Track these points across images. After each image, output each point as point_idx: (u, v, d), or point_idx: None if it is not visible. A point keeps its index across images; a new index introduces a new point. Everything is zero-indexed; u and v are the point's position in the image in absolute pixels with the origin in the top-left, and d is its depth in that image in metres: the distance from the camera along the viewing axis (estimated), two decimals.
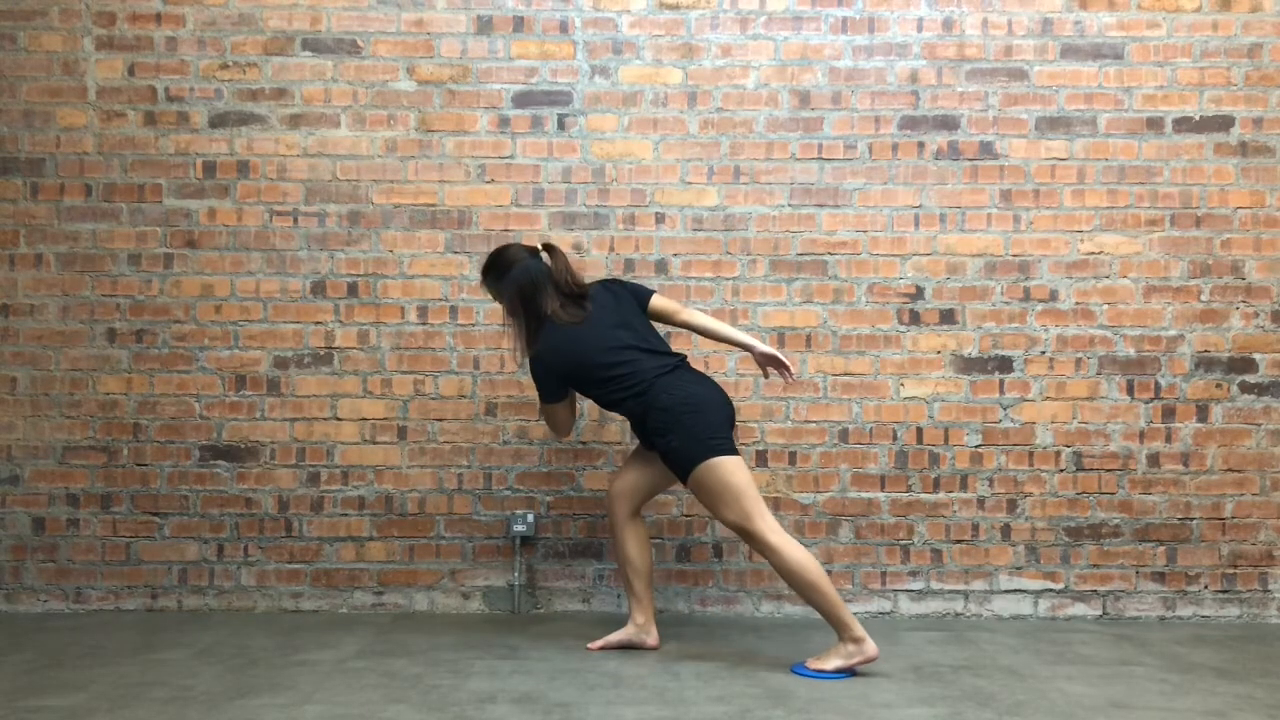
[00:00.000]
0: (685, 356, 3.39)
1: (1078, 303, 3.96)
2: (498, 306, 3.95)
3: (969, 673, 3.16)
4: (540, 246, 3.39)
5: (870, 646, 3.09)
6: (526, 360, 3.39)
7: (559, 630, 3.67)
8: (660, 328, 3.55)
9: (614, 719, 2.69)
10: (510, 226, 3.96)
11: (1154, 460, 3.95)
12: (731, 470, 3.14)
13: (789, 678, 3.07)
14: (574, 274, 3.36)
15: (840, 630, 3.11)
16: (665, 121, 3.98)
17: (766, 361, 3.38)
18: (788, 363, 3.39)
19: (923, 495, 3.95)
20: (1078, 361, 3.96)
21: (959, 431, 3.95)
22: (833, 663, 3.10)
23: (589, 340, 3.27)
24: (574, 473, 3.96)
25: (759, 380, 3.95)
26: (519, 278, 3.32)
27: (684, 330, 3.57)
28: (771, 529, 3.12)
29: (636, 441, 3.48)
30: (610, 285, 3.42)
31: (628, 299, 3.38)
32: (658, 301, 3.40)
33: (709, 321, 3.41)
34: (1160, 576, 3.94)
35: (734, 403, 3.90)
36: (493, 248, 3.91)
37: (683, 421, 3.16)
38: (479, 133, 3.98)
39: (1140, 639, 3.62)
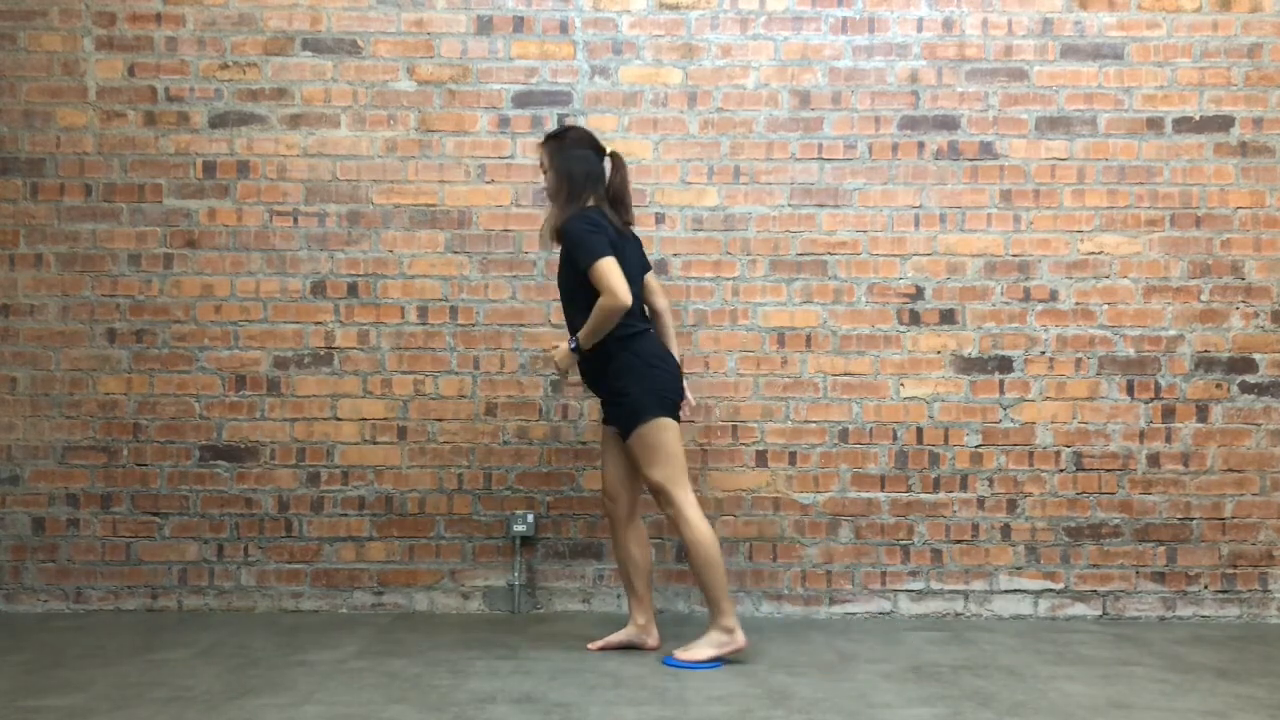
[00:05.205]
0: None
1: (1078, 303, 3.96)
2: (498, 306, 3.96)
3: (969, 673, 3.16)
4: (609, 151, 3.37)
5: (740, 637, 3.22)
6: (561, 234, 3.26)
7: (559, 630, 3.67)
8: None
9: (614, 719, 2.69)
10: (510, 226, 3.96)
11: (1154, 460, 3.95)
12: (674, 434, 3.25)
13: (789, 678, 3.07)
14: (629, 193, 3.37)
15: (717, 615, 3.21)
16: (665, 121, 3.98)
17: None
18: (691, 402, 3.51)
19: (923, 495, 3.95)
20: (1078, 361, 3.96)
21: (959, 431, 3.95)
22: (705, 652, 3.20)
23: (624, 251, 3.26)
24: (574, 473, 3.96)
25: (759, 380, 3.94)
26: (586, 159, 3.30)
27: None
28: (690, 501, 3.24)
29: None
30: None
31: (642, 255, 3.43)
32: (651, 277, 3.48)
33: (668, 321, 3.47)
34: (1160, 576, 3.94)
35: (734, 402, 3.94)
36: (496, 239, 3.96)
37: (648, 375, 3.22)
38: (479, 133, 3.98)
39: (1140, 639, 3.62)
